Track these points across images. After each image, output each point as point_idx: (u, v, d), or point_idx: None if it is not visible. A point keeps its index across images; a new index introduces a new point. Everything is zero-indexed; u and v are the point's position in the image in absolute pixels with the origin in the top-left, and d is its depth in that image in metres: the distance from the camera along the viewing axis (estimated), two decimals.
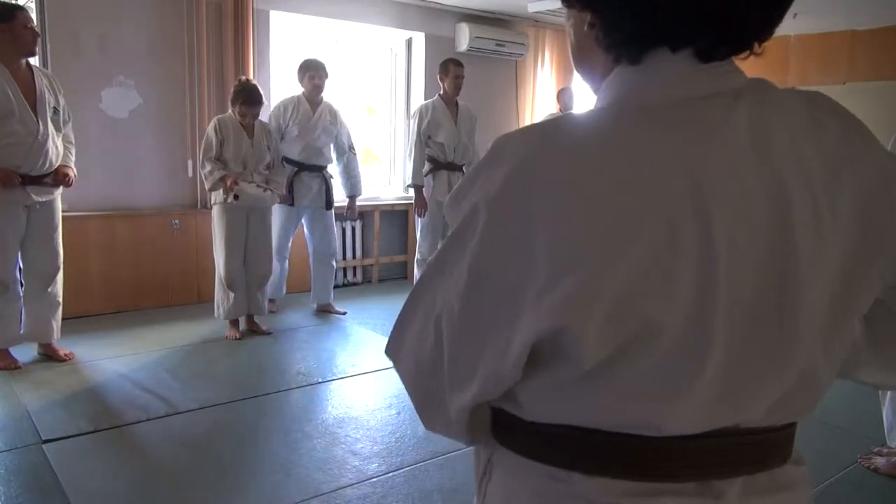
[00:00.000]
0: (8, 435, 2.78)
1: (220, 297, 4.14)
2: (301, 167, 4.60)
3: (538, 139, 0.64)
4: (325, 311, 4.87)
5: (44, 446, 2.69)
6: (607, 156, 0.61)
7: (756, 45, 0.68)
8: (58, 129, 3.46)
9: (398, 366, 0.75)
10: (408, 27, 5.92)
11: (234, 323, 4.20)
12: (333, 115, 4.69)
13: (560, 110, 6.22)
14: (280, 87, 5.33)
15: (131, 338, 4.12)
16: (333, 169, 4.81)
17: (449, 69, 4.76)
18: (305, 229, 4.81)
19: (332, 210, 4.76)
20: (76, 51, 4.44)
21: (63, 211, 4.46)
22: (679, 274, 0.60)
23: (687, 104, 0.64)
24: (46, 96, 3.38)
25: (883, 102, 5.76)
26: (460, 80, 4.79)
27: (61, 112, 3.48)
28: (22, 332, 3.54)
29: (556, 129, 0.64)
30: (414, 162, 4.78)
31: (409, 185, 4.93)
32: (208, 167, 3.95)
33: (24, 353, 3.64)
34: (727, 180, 0.61)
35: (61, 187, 3.56)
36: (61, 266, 3.64)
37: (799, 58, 6.75)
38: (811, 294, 0.64)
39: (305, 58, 4.68)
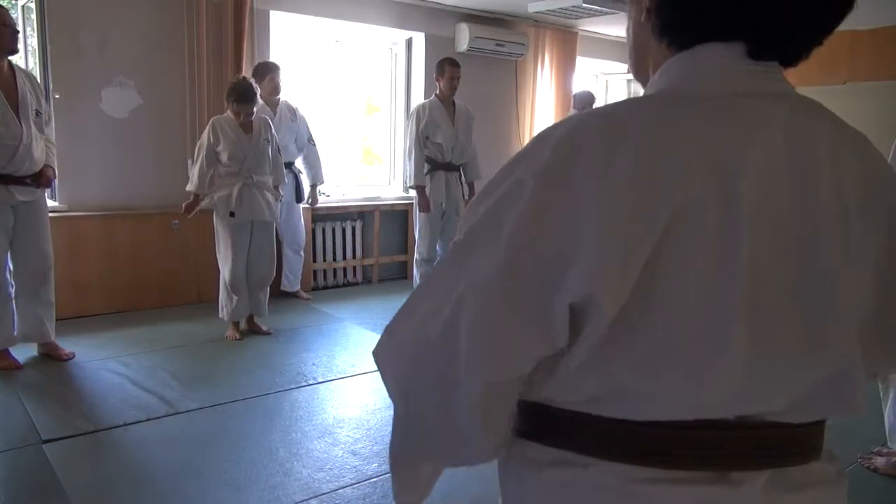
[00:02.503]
0: (8, 435, 2.78)
1: (224, 300, 4.15)
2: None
3: (581, 119, 0.66)
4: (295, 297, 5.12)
5: (44, 446, 2.69)
6: (646, 134, 0.63)
7: (805, 49, 0.71)
8: (40, 131, 3.44)
9: (399, 339, 0.72)
10: (408, 27, 5.92)
11: (235, 323, 4.20)
12: (292, 111, 4.93)
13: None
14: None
15: (131, 338, 4.12)
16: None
17: (445, 69, 4.75)
18: (280, 222, 4.93)
19: (301, 202, 5.06)
20: (76, 51, 4.44)
21: (63, 211, 4.48)
22: (703, 252, 0.62)
23: (729, 98, 0.67)
24: (28, 98, 3.35)
25: (883, 102, 5.76)
26: (456, 80, 4.78)
27: (43, 114, 3.47)
28: (16, 333, 3.53)
29: (598, 111, 0.67)
30: (414, 163, 4.78)
31: (410, 186, 4.92)
32: (195, 174, 3.98)
33: (24, 353, 3.63)
34: (758, 172, 0.64)
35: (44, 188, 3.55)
36: (51, 266, 3.62)
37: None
38: (841, 290, 0.66)
39: (259, 62, 4.84)
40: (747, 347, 0.64)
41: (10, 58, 3.35)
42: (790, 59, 0.72)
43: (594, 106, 6.18)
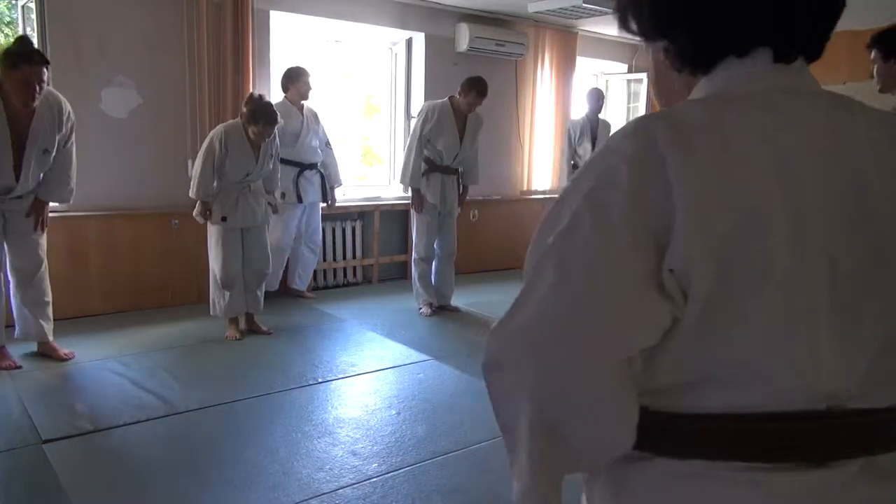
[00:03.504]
0: (8, 435, 2.78)
1: (216, 296, 4.15)
2: (302, 167, 4.88)
3: (643, 120, 0.72)
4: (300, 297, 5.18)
5: (44, 446, 2.69)
6: (709, 133, 0.68)
7: (818, 49, 0.76)
8: (44, 167, 3.43)
9: (510, 342, 0.73)
10: (408, 27, 5.92)
11: (234, 323, 4.20)
12: (314, 115, 5.01)
13: (589, 112, 6.24)
14: (279, 87, 5.33)
15: (131, 338, 4.12)
16: None
17: (472, 93, 4.60)
18: (301, 221, 5.07)
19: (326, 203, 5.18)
20: (76, 51, 4.44)
21: (63, 211, 4.47)
22: (774, 229, 0.65)
23: (770, 94, 0.72)
24: (39, 141, 3.32)
25: (883, 103, 5.75)
26: (475, 107, 4.71)
27: (53, 151, 3.41)
28: (16, 334, 3.54)
29: (653, 115, 0.72)
30: (412, 163, 4.72)
31: (408, 186, 4.90)
32: (198, 182, 3.94)
33: (25, 353, 3.63)
34: (810, 158, 0.68)
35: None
36: (43, 265, 3.60)
37: None
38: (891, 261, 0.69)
39: (291, 66, 4.91)
40: (827, 326, 0.67)
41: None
42: (813, 54, 0.76)
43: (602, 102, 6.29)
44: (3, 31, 7.67)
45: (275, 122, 3.94)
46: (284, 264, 5.09)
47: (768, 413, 0.68)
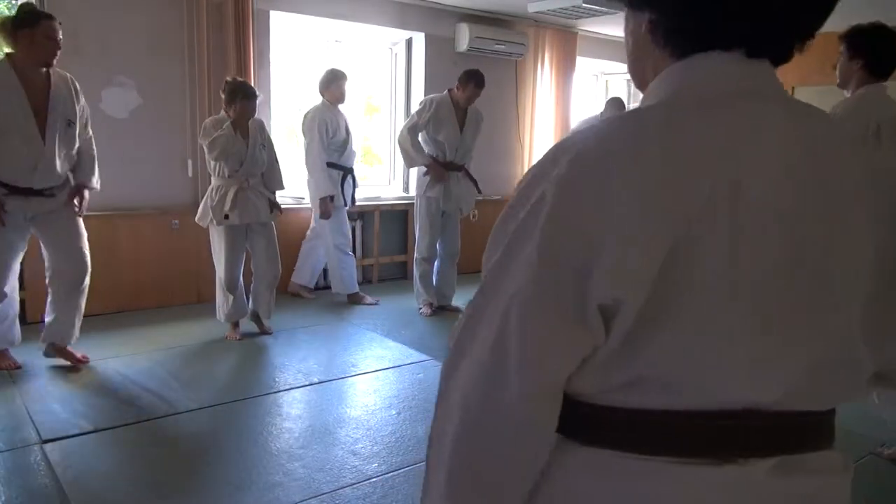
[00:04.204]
0: (8, 435, 2.78)
1: (220, 300, 4.15)
2: (346, 170, 4.94)
3: (594, 132, 0.70)
4: (354, 302, 5.12)
5: (44, 446, 2.69)
6: (652, 145, 0.67)
7: (797, 46, 0.76)
8: (70, 144, 3.33)
9: (451, 384, 0.75)
10: (408, 27, 5.92)
11: (235, 323, 4.20)
12: (346, 118, 5.02)
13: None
14: (280, 87, 5.34)
15: (131, 338, 4.12)
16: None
17: (469, 86, 4.63)
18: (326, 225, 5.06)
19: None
20: (76, 51, 4.43)
21: None
22: (716, 249, 0.65)
23: (729, 100, 0.70)
24: (60, 109, 3.25)
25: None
26: (474, 99, 4.72)
27: (77, 123, 3.35)
28: (43, 333, 3.49)
29: (609, 123, 0.71)
30: (412, 147, 4.69)
31: (424, 173, 4.77)
32: (217, 164, 3.92)
33: (29, 353, 3.63)
34: (762, 171, 0.67)
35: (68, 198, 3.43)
36: (87, 271, 3.49)
37: (798, 57, 6.73)
38: (841, 282, 0.69)
39: (328, 69, 4.94)
40: (752, 337, 0.67)
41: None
42: (785, 57, 0.75)
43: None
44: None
45: (253, 96, 3.95)
46: (349, 266, 5.10)
47: (679, 411, 0.70)
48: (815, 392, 0.72)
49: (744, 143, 0.67)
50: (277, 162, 4.26)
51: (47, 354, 3.54)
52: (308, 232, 5.22)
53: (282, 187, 4.33)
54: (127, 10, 4.58)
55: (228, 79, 4.10)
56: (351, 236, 5.19)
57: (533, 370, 0.69)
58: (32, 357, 3.66)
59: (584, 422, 0.74)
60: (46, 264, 3.45)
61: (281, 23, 5.31)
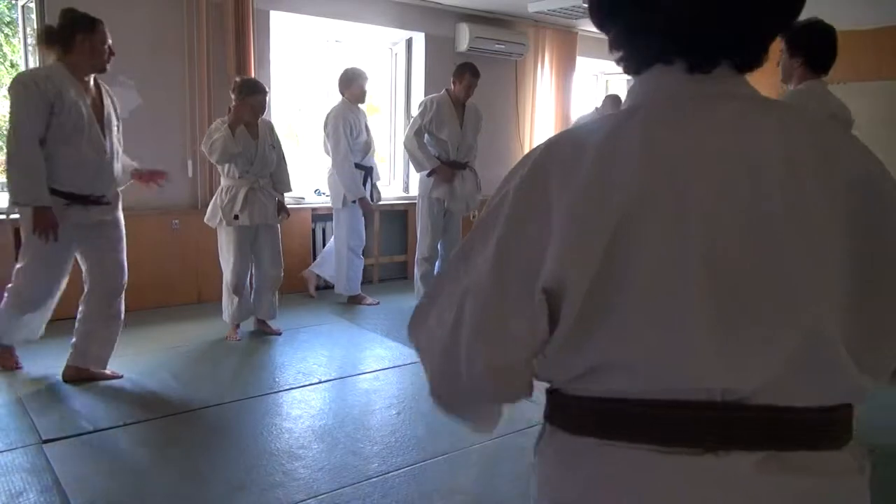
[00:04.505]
0: (8, 435, 2.78)
1: (226, 302, 4.14)
2: (367, 170, 4.91)
3: (555, 137, 0.79)
4: (354, 303, 5.12)
5: (44, 446, 2.69)
6: (602, 144, 0.74)
7: (755, 60, 0.79)
8: (119, 149, 3.29)
9: (418, 345, 0.87)
10: (408, 27, 5.92)
11: (237, 324, 4.20)
12: (366, 117, 5.03)
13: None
14: (280, 87, 5.34)
15: (131, 338, 4.10)
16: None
17: (465, 76, 4.66)
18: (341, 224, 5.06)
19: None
20: None
21: None
22: (657, 238, 0.70)
23: (671, 102, 0.77)
24: (112, 113, 3.22)
25: (883, 102, 5.76)
26: (473, 88, 4.73)
27: (119, 127, 3.32)
28: (71, 356, 3.35)
29: (570, 129, 0.81)
30: (420, 152, 4.70)
31: (428, 174, 4.77)
32: (218, 148, 3.86)
33: (29, 353, 3.62)
34: (704, 165, 0.71)
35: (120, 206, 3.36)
36: (125, 283, 3.40)
37: None
38: (799, 273, 0.70)
39: (347, 68, 4.93)
40: (707, 325, 0.69)
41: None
42: (740, 68, 0.78)
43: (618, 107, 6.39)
44: (2, 31, 7.68)
45: (261, 91, 3.94)
46: (357, 268, 5.10)
47: (652, 399, 0.72)
48: (795, 388, 0.72)
49: (682, 141, 0.72)
50: (286, 164, 4.26)
51: (68, 379, 3.34)
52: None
53: (290, 189, 4.33)
54: (127, 10, 4.57)
55: (237, 78, 4.10)
56: (365, 238, 5.18)
57: (480, 357, 0.77)
58: (33, 357, 3.66)
59: (562, 411, 0.79)
60: (85, 278, 3.32)
61: (281, 23, 5.31)
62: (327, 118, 4.82)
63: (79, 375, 3.34)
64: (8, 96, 2.97)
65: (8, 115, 2.96)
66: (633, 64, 0.82)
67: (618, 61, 0.84)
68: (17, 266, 3.24)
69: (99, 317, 3.34)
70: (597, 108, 6.54)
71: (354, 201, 4.83)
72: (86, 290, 3.34)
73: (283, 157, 4.21)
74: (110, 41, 3.16)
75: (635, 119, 0.75)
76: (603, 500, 0.75)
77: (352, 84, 4.82)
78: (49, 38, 3.06)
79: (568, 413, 0.79)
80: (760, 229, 0.70)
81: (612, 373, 0.73)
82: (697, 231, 0.69)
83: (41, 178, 2.96)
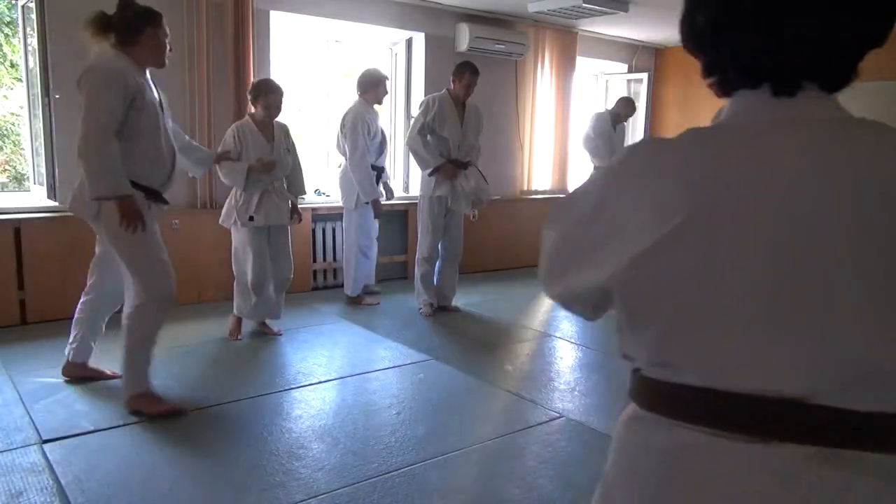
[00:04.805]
0: (8, 435, 2.78)
1: (242, 299, 4.12)
2: (379, 170, 4.95)
3: (640, 142, 0.89)
4: (355, 303, 5.14)
5: (44, 446, 2.69)
6: (669, 155, 0.82)
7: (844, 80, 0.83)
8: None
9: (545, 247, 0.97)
10: (408, 27, 5.93)
11: (238, 323, 4.19)
12: (379, 118, 5.06)
13: (615, 119, 6.38)
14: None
15: None
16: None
17: (465, 75, 4.66)
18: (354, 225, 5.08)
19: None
20: (76, 51, 4.42)
21: (63, 211, 4.48)
22: (690, 243, 0.76)
23: (754, 124, 0.82)
24: (167, 110, 3.12)
25: (883, 102, 5.75)
26: (472, 87, 4.73)
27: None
28: (72, 355, 3.34)
29: (654, 138, 0.93)
30: (425, 150, 4.70)
31: (430, 173, 4.75)
32: (225, 171, 3.90)
33: (30, 353, 3.62)
34: (767, 181, 0.75)
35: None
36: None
37: None
38: (848, 291, 0.73)
39: (368, 69, 4.95)
40: (752, 328, 0.75)
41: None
42: (828, 88, 0.82)
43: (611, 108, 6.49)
44: (2, 31, 7.68)
45: (276, 90, 3.93)
46: (363, 269, 5.13)
47: (714, 390, 0.77)
48: (850, 394, 0.74)
49: (743, 162, 0.77)
50: (301, 168, 4.26)
51: (68, 375, 3.36)
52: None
53: (304, 193, 4.34)
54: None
55: (253, 80, 4.09)
56: (377, 237, 5.22)
57: (548, 289, 0.96)
58: (35, 356, 3.67)
59: (638, 389, 0.86)
60: (102, 284, 3.25)
61: (281, 23, 5.31)
62: (345, 118, 4.83)
63: (77, 370, 3.35)
64: (82, 87, 2.81)
65: (84, 107, 2.79)
66: (722, 88, 0.87)
67: (709, 86, 0.90)
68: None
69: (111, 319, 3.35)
70: (608, 110, 6.58)
71: (367, 202, 4.85)
72: (95, 295, 3.29)
73: (299, 161, 4.23)
74: (167, 38, 3.05)
75: (713, 136, 0.82)
76: (668, 475, 0.80)
77: (375, 86, 4.84)
78: (107, 26, 2.91)
79: (643, 392, 0.84)
80: (813, 245, 0.74)
81: (668, 367, 0.80)
82: (747, 243, 0.74)
83: (122, 169, 2.84)
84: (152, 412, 2.99)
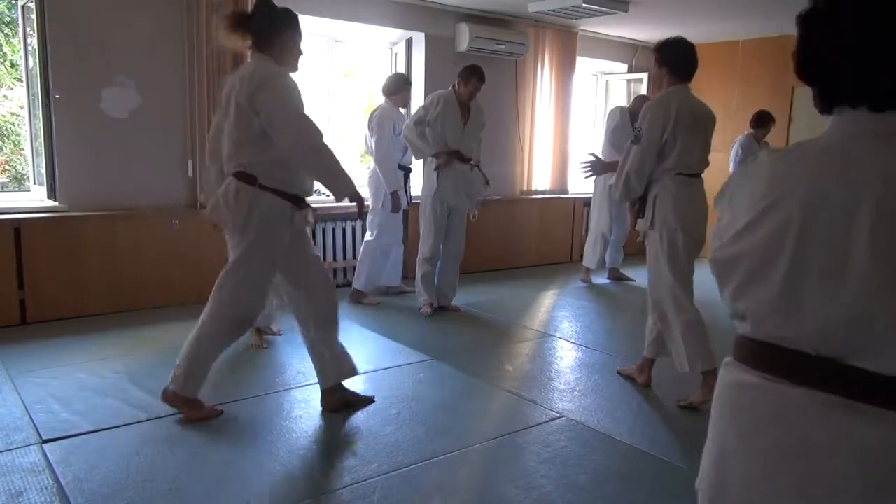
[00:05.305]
0: (8, 435, 2.78)
1: None
2: (407, 170, 5.14)
3: (774, 148, 1.15)
4: (355, 301, 5.16)
5: (44, 446, 2.69)
6: (775, 162, 1.05)
7: None
8: None
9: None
10: (408, 27, 5.93)
11: (258, 331, 4.09)
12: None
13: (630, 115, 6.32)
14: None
15: (131, 338, 4.12)
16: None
17: (472, 80, 4.67)
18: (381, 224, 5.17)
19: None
20: (76, 51, 4.44)
21: (63, 211, 4.49)
22: (788, 231, 0.98)
23: (848, 139, 0.99)
24: None
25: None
26: (476, 93, 4.76)
27: None
28: (325, 383, 3.16)
29: (788, 145, 1.12)
30: (420, 140, 4.71)
31: (435, 169, 4.75)
32: None
33: (31, 353, 3.62)
34: (845, 186, 0.94)
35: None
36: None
37: None
38: (859, 267, 0.91)
39: (395, 73, 5.16)
40: (782, 286, 0.98)
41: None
42: None
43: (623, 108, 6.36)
44: (2, 31, 7.68)
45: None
46: (378, 268, 5.22)
47: (764, 342, 1.02)
48: (867, 355, 0.92)
49: (825, 171, 0.97)
50: None
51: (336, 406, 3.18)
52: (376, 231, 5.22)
53: (310, 193, 4.29)
54: (127, 10, 4.58)
55: None
56: (401, 237, 5.34)
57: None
58: (35, 357, 3.67)
59: (734, 344, 1.10)
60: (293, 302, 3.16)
61: None
62: (372, 117, 5.03)
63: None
64: (270, 97, 2.74)
65: (293, 116, 2.79)
66: (825, 106, 1.04)
67: (816, 106, 1.06)
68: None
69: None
70: (620, 108, 6.49)
71: (389, 193, 4.96)
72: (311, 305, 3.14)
73: None
74: None
75: (814, 147, 1.02)
76: (732, 403, 1.08)
77: (401, 90, 5.06)
78: (246, 25, 2.84)
79: (735, 346, 1.09)
80: (840, 240, 0.93)
81: (737, 321, 1.07)
82: (813, 231, 0.95)
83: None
84: (192, 417, 2.97)
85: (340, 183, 2.98)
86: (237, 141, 2.84)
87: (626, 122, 6.12)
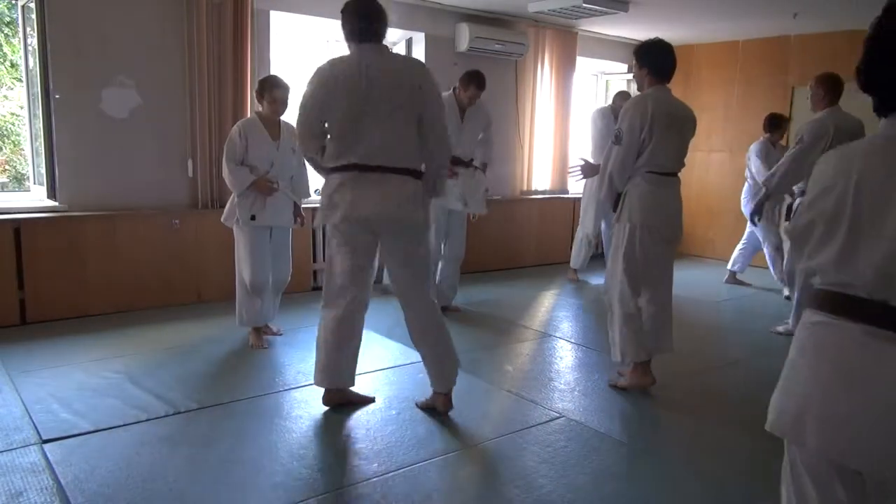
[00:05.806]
0: (8, 435, 2.78)
1: (244, 304, 4.03)
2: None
3: (843, 145, 1.42)
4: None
5: (44, 446, 2.69)
6: (838, 153, 1.41)
7: None
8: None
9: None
10: (408, 27, 5.93)
11: (258, 330, 4.10)
12: None
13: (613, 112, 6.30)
14: None
15: (131, 338, 4.12)
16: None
17: (469, 87, 4.68)
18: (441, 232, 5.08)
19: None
20: (76, 51, 4.44)
21: (63, 211, 4.49)
22: (847, 202, 1.32)
23: (888, 136, 1.33)
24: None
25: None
26: (475, 99, 4.75)
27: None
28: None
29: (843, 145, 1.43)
30: None
31: None
32: (230, 169, 3.82)
33: (31, 353, 3.62)
34: (876, 176, 1.30)
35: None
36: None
37: (799, 58, 6.74)
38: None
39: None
40: (843, 243, 1.33)
41: None
42: None
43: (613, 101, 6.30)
44: (2, 31, 7.68)
45: (281, 85, 3.89)
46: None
47: (830, 291, 1.36)
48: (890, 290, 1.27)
49: (872, 156, 1.32)
50: (306, 170, 4.17)
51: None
52: None
53: (308, 196, 4.27)
54: (127, 10, 4.58)
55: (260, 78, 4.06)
56: (441, 241, 5.24)
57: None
58: (35, 357, 3.67)
59: (809, 295, 1.43)
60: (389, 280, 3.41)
61: (281, 23, 5.31)
62: None
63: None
64: (434, 92, 3.25)
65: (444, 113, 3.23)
66: (883, 110, 1.33)
67: (875, 110, 1.35)
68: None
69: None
70: (601, 109, 6.48)
71: None
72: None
73: (304, 163, 4.17)
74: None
75: (868, 140, 1.37)
76: (808, 339, 1.40)
77: None
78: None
79: (810, 297, 1.41)
80: (882, 208, 1.27)
81: (814, 277, 1.40)
82: (856, 199, 1.30)
83: None
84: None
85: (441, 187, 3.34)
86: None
87: (610, 122, 6.11)
